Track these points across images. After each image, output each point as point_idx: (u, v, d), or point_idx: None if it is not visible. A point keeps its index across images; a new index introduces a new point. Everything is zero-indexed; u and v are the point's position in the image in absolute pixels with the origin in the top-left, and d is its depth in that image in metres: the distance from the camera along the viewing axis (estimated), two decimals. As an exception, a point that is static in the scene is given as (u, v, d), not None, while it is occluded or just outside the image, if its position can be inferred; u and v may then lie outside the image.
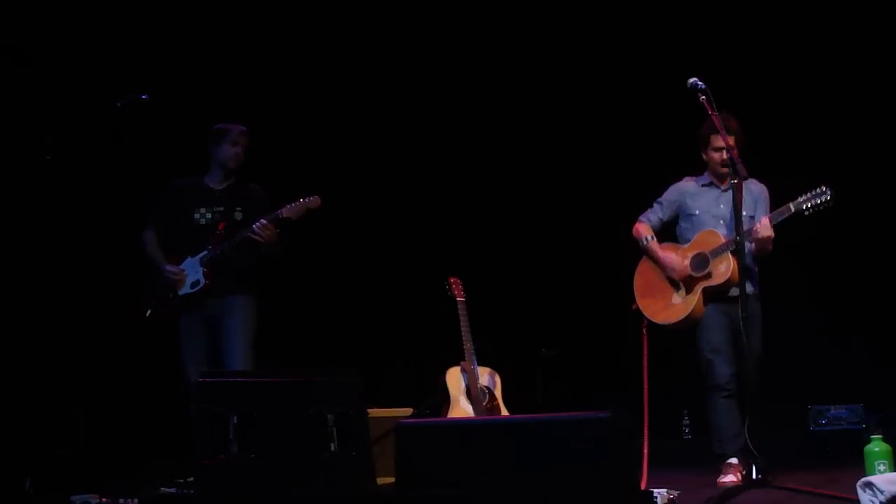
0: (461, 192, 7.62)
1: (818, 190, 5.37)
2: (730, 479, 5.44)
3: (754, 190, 5.79)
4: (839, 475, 5.22)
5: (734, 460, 5.53)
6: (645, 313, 5.90)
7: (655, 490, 4.45)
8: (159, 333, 6.01)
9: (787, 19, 7.37)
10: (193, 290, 5.81)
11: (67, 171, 5.80)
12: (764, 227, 5.48)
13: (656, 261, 5.89)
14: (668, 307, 5.84)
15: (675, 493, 4.64)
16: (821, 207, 5.37)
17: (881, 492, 3.89)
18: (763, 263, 5.75)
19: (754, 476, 4.93)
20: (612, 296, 6.27)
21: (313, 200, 5.79)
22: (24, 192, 6.49)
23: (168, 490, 5.22)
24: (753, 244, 5.61)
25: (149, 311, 5.88)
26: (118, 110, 5.58)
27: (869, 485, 3.96)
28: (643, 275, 5.98)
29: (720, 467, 5.57)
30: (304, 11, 7.45)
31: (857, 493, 3.99)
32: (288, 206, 5.75)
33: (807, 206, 5.40)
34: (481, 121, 7.68)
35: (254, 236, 5.70)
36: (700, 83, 5.21)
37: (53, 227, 6.55)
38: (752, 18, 7.41)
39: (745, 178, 5.19)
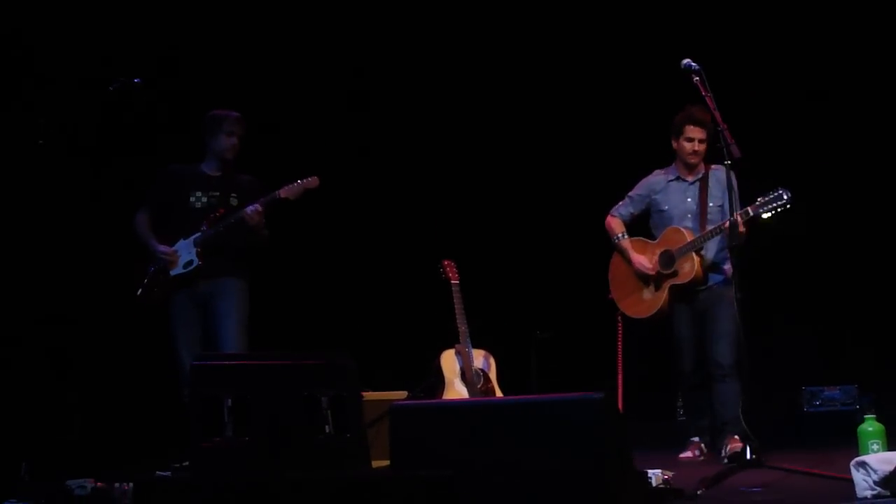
0: (455, 175, 7.62)
1: (775, 194, 5.50)
2: (687, 455, 5.94)
3: (721, 176, 5.82)
4: (833, 455, 5.24)
5: (696, 439, 6.02)
6: (618, 305, 6.24)
7: (650, 470, 4.45)
8: (151, 316, 6.01)
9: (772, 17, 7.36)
10: (186, 269, 5.80)
11: (60, 156, 5.81)
12: (733, 226, 5.46)
13: (628, 259, 6.14)
14: (638, 302, 6.14)
15: (670, 473, 4.66)
16: (779, 210, 5.50)
17: (874, 471, 3.90)
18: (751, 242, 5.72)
19: (748, 457, 4.99)
20: (606, 278, 6.28)
21: (311, 181, 5.79)
22: (17, 176, 6.46)
23: (163, 474, 5.22)
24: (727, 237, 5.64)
25: (139, 290, 5.87)
26: (110, 94, 5.56)
27: (862, 464, 3.97)
28: (617, 268, 6.26)
29: (686, 444, 6.02)
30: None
31: (850, 473, 4.00)
32: (286, 187, 5.75)
33: (764, 210, 5.53)
34: (474, 102, 7.68)
35: (246, 218, 5.70)
36: (693, 64, 5.29)
37: (46, 212, 6.52)
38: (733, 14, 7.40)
39: (738, 158, 5.19)
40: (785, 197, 5.48)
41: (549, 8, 7.62)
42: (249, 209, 5.71)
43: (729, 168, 5.25)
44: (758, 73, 7.39)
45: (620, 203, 6.28)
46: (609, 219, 6.28)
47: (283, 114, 7.18)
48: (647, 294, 6.11)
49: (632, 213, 6.25)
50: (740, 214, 5.51)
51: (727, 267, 5.88)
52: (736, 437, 5.66)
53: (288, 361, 4.43)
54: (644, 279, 6.11)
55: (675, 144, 6.06)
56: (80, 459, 6.09)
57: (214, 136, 5.91)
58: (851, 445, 4.64)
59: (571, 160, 6.43)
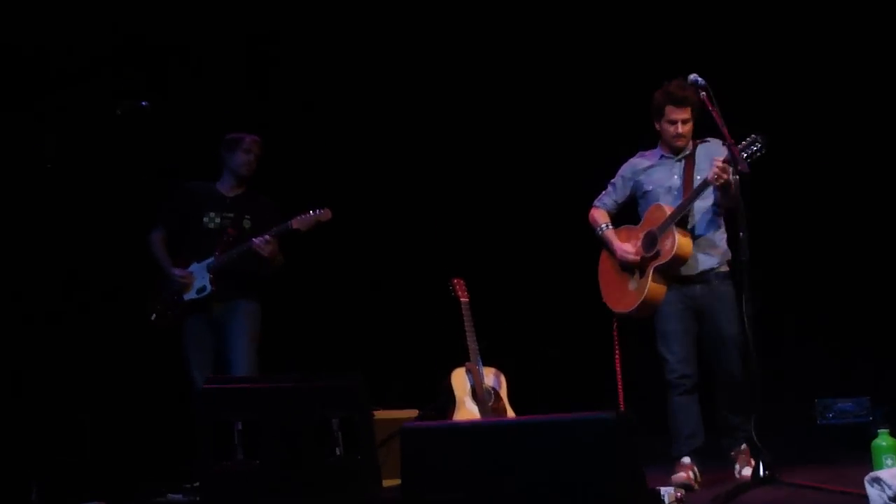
0: (464, 193, 7.60)
1: (749, 139, 5.09)
2: (679, 476, 5.20)
3: (710, 150, 5.46)
4: (847, 470, 5.19)
5: (687, 459, 5.32)
6: (607, 304, 5.68)
7: (662, 488, 4.43)
8: (164, 338, 6.03)
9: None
10: (199, 295, 5.83)
11: (68, 177, 5.83)
12: (720, 170, 5.10)
13: (612, 250, 5.64)
14: (625, 295, 5.56)
15: (682, 491, 4.63)
16: (755, 156, 5.06)
17: (889, 486, 3.88)
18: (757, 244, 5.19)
19: (761, 472, 4.87)
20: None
21: (324, 213, 5.80)
22: (27, 197, 6.48)
23: (174, 496, 5.23)
24: (718, 195, 5.29)
25: (153, 315, 5.89)
26: (118, 117, 5.58)
27: (877, 480, 3.94)
28: (604, 264, 5.75)
29: (675, 467, 5.32)
30: (308, 17, 7.43)
31: (865, 488, 3.98)
32: (298, 218, 5.76)
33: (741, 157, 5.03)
34: (484, 121, 7.65)
35: (256, 249, 5.70)
36: (700, 79, 5.17)
37: (57, 233, 6.54)
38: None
39: (746, 173, 4.99)
40: (759, 142, 5.06)
41: (562, 18, 7.60)
42: (258, 241, 5.72)
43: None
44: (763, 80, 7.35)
45: (602, 192, 5.78)
46: (592, 211, 5.78)
47: (292, 133, 7.18)
48: (633, 284, 5.51)
49: (616, 201, 5.72)
50: (720, 160, 5.10)
51: (722, 246, 5.44)
52: (745, 448, 5.31)
53: (298, 384, 4.44)
54: (629, 269, 5.54)
55: (657, 126, 5.53)
56: (90, 482, 6.11)
57: (232, 153, 5.96)
58: (865, 459, 4.62)
59: (581, 177, 6.37)
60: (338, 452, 4.32)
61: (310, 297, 7.17)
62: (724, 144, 5.11)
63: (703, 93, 5.16)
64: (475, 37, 7.59)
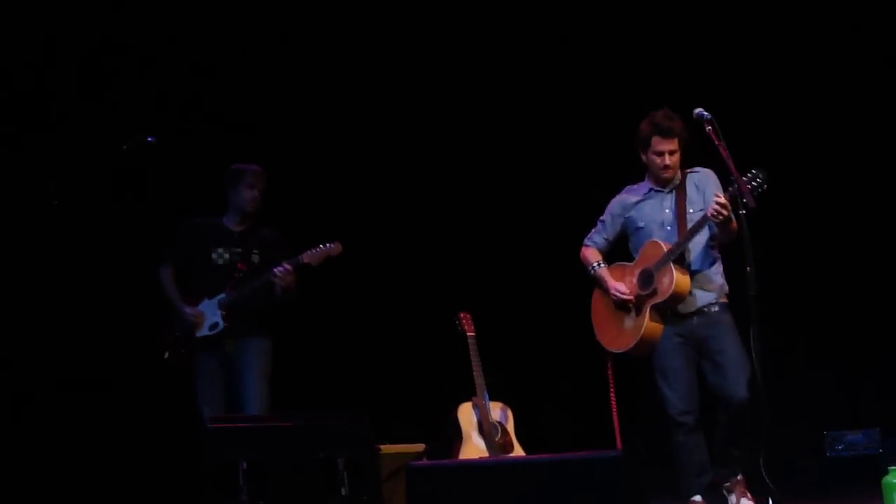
0: (470, 227, 7.58)
1: (749, 174, 4.98)
2: None
3: (699, 181, 5.40)
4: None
5: (698, 498, 5.24)
6: (601, 343, 5.57)
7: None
8: (173, 374, 6.01)
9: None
10: (212, 332, 5.82)
11: (75, 215, 5.85)
12: (719, 207, 5.00)
13: (605, 288, 5.54)
14: (620, 334, 5.44)
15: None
16: (756, 192, 4.95)
17: (900, 526, 3.85)
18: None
19: None
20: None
21: (334, 247, 5.82)
22: (34, 236, 6.50)
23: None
24: (716, 230, 5.19)
25: (167, 353, 5.88)
26: (124, 153, 5.59)
27: (887, 518, 3.92)
28: (597, 303, 5.64)
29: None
30: (311, 51, 7.47)
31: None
32: (309, 252, 5.78)
33: (739, 194, 4.94)
34: (490, 154, 7.65)
35: (275, 279, 5.72)
36: (705, 113, 5.09)
37: (63, 273, 6.56)
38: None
39: (753, 207, 4.94)
40: (760, 177, 4.95)
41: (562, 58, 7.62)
42: (279, 270, 5.72)
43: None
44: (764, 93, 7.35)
45: (593, 230, 5.70)
46: (583, 249, 5.70)
47: (294, 165, 7.18)
48: (629, 322, 5.39)
49: (606, 239, 5.63)
50: (721, 196, 5.00)
51: (719, 281, 5.34)
52: (741, 479, 5.19)
53: (304, 423, 4.43)
54: (624, 307, 5.43)
55: (643, 158, 5.42)
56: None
57: (235, 190, 5.96)
58: (875, 492, 4.60)
59: (589, 210, 6.35)
60: (343, 492, 4.30)
61: (315, 331, 7.16)
62: (731, 178, 5.01)
63: (709, 127, 5.07)
64: (482, 73, 7.61)
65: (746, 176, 5.01)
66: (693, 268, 5.34)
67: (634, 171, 5.62)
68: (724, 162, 5.05)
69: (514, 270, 7.54)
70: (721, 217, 5.05)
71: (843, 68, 7.24)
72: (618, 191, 5.70)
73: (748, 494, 5.14)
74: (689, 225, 5.27)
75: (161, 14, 7.06)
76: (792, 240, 7.20)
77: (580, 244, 5.81)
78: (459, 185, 7.62)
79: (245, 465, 4.23)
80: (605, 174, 6.55)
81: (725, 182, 5.17)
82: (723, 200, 5.04)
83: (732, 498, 5.22)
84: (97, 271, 6.77)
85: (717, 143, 5.06)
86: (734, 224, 5.06)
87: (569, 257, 5.88)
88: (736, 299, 5.34)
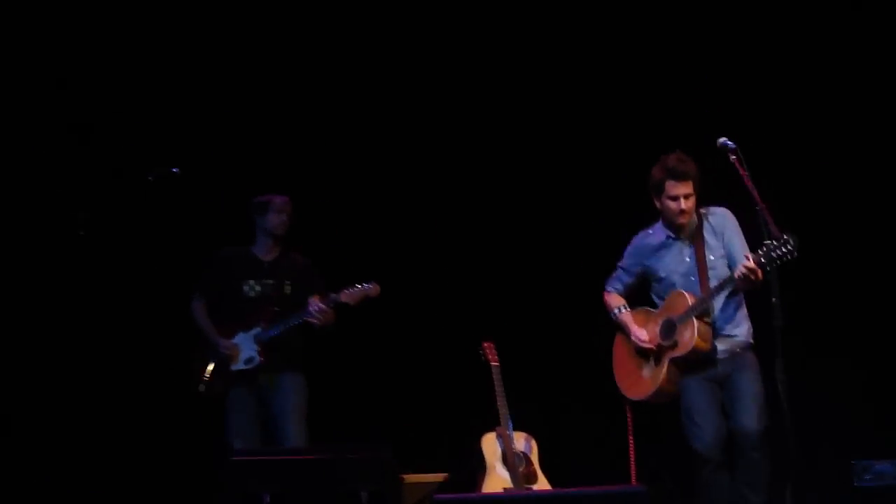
0: (494, 257, 7.56)
1: (779, 241, 4.83)
2: None
3: (717, 224, 5.35)
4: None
5: None
6: (620, 389, 5.58)
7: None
8: (201, 406, 6.09)
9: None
10: (247, 366, 5.86)
11: (102, 246, 5.88)
12: (747, 271, 4.91)
13: (627, 334, 5.52)
14: (638, 382, 5.45)
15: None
16: (785, 258, 4.82)
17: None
18: (791, 309, 5.00)
19: None
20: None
21: (372, 288, 5.87)
22: (61, 265, 6.55)
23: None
24: (739, 285, 5.08)
25: (201, 386, 5.90)
26: (149, 184, 5.63)
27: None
28: (619, 347, 5.64)
29: None
30: (321, 71, 7.49)
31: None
32: (346, 292, 5.82)
33: (766, 259, 4.84)
34: (513, 186, 7.62)
35: (312, 320, 5.75)
36: (730, 143, 5.01)
37: (89, 304, 6.60)
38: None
39: (778, 238, 4.85)
40: (791, 244, 4.79)
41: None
42: (314, 310, 5.74)
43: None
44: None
45: (613, 275, 5.70)
46: (605, 295, 5.70)
47: (312, 193, 7.20)
48: (647, 371, 5.40)
49: (627, 284, 5.62)
50: (749, 259, 4.88)
51: (743, 330, 5.31)
52: None
53: (326, 456, 4.43)
54: (644, 355, 5.43)
55: (657, 204, 5.35)
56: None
57: (263, 216, 6.01)
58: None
59: (611, 234, 6.35)
60: (367, 526, 4.29)
61: (338, 361, 7.15)
62: (755, 208, 4.92)
63: (734, 157, 5.00)
64: (503, 96, 7.61)
65: (777, 241, 4.85)
66: (718, 324, 5.29)
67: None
68: (749, 192, 4.98)
69: (539, 300, 7.50)
70: (748, 282, 4.99)
71: (858, 71, 7.19)
72: (640, 226, 5.67)
73: None
74: (710, 271, 5.25)
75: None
76: (816, 260, 7.13)
77: (606, 271, 5.79)
78: (484, 214, 7.60)
79: (268, 498, 4.22)
80: (629, 203, 6.54)
81: (746, 213, 5.08)
82: (752, 265, 4.94)
83: None
84: (120, 303, 6.80)
85: (742, 173, 4.98)
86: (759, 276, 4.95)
87: (594, 288, 5.86)
88: (760, 329, 5.30)
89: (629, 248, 5.62)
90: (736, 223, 5.32)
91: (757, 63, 7.29)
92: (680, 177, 5.22)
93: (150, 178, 5.66)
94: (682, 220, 5.31)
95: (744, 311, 5.37)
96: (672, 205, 5.27)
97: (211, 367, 5.88)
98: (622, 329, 5.61)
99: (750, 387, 5.18)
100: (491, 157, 7.60)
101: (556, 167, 7.63)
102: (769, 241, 4.85)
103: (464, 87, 7.56)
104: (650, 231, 5.53)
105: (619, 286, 5.66)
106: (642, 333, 5.44)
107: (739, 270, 4.99)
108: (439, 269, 7.43)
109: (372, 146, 7.51)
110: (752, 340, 5.37)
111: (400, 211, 7.56)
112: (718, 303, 5.26)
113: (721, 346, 5.28)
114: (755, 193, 4.97)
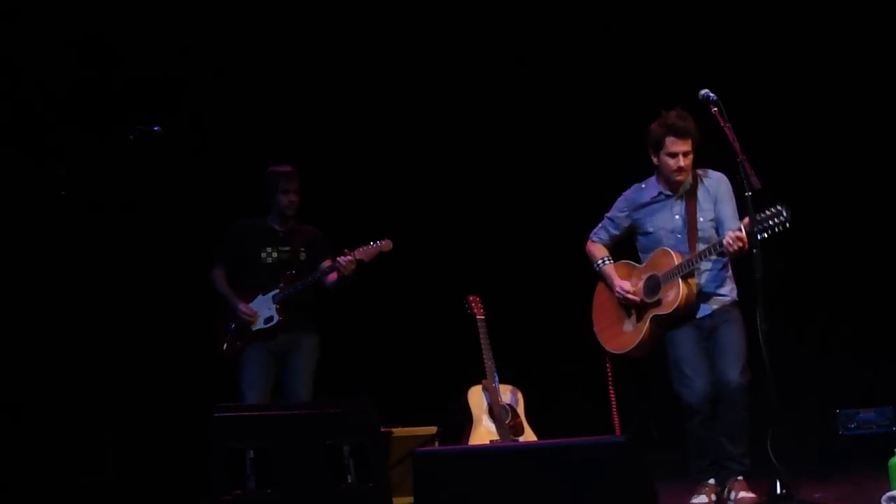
0: (479, 210, 7.59)
1: (773, 210, 4.82)
2: (702, 500, 5.13)
3: (711, 186, 5.32)
4: (867, 484, 5.17)
5: (712, 481, 5.19)
6: (599, 339, 5.61)
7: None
8: (190, 359, 6.44)
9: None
10: (267, 325, 6.06)
11: (82, 204, 5.89)
12: (735, 240, 4.94)
13: (610, 285, 5.53)
14: (619, 335, 5.48)
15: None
16: (777, 230, 4.81)
17: (905, 507, 3.85)
18: (781, 265, 5.32)
19: (777, 490, 4.76)
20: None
21: (385, 244, 6.07)
22: (41, 228, 6.57)
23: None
24: (727, 252, 5.08)
25: (224, 345, 6.10)
26: (130, 142, 5.62)
27: (893, 499, 3.92)
28: (599, 297, 5.65)
29: (695, 486, 5.22)
30: (311, 54, 7.52)
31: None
32: (361, 249, 6.01)
33: (759, 228, 4.82)
34: (499, 138, 7.64)
35: (341, 269, 5.94)
36: (711, 94, 5.00)
37: (78, 259, 6.63)
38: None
39: (758, 188, 4.84)
40: (784, 215, 4.78)
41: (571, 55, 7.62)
42: (344, 259, 5.94)
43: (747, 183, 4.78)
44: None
45: (598, 226, 5.66)
46: (588, 244, 5.67)
47: (303, 156, 7.20)
48: (629, 325, 5.42)
49: (613, 236, 5.60)
50: (738, 230, 4.91)
51: (728, 290, 5.31)
52: (741, 479, 5.10)
53: (309, 411, 4.46)
54: (627, 309, 5.45)
55: (654, 160, 5.30)
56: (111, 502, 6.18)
57: (273, 195, 6.17)
58: (884, 472, 4.58)
59: (597, 192, 6.35)
60: (349, 480, 4.32)
61: (326, 317, 7.18)
62: (737, 160, 4.92)
63: (715, 108, 4.99)
64: (492, 65, 7.64)
65: (768, 211, 4.85)
66: (702, 282, 5.29)
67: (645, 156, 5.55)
68: (730, 144, 4.97)
69: (523, 253, 7.54)
70: (735, 249, 4.99)
71: (854, 61, 7.20)
72: (626, 185, 5.64)
73: (747, 488, 5.08)
74: (700, 234, 5.24)
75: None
76: (802, 219, 7.13)
77: (591, 226, 5.78)
78: (468, 168, 7.62)
79: (252, 453, 4.25)
80: (616, 160, 6.56)
81: (733, 168, 5.05)
82: (742, 234, 4.95)
83: (732, 494, 5.14)
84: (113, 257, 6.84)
85: (723, 124, 4.98)
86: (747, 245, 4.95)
87: (578, 241, 5.86)
88: (744, 282, 5.33)
89: (620, 200, 5.59)
90: (730, 190, 5.30)
91: (738, 17, 7.28)
92: (680, 133, 5.20)
93: (131, 136, 5.63)
94: (680, 177, 5.29)
95: (728, 272, 5.38)
96: (670, 161, 5.25)
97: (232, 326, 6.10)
98: (605, 280, 5.61)
99: (735, 340, 5.19)
100: (473, 112, 7.61)
101: (540, 122, 7.65)
102: (762, 213, 4.84)
103: (448, 53, 7.60)
104: (643, 185, 5.50)
105: (605, 237, 5.64)
106: (626, 284, 5.44)
107: (729, 237, 5.01)
108: (424, 224, 7.45)
109: (356, 103, 7.54)
110: (737, 298, 5.38)
111: (386, 168, 7.57)
112: (705, 264, 5.27)
113: (706, 304, 5.29)
114: (736, 145, 4.96)
